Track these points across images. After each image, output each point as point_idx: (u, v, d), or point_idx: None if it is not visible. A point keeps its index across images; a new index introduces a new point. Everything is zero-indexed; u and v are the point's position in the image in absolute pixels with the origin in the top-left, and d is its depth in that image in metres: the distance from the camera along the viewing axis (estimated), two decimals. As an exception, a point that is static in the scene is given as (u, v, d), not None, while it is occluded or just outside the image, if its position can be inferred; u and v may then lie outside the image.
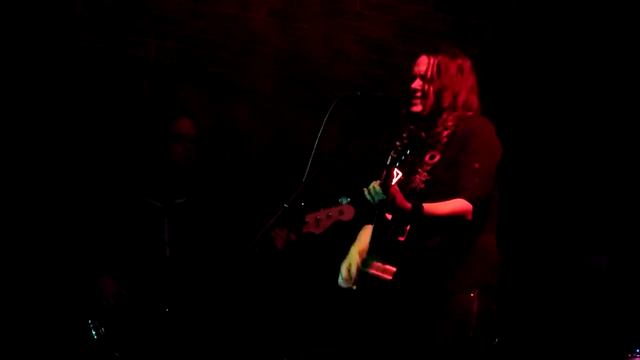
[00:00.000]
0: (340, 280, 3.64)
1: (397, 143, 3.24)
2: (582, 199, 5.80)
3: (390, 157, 3.22)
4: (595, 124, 5.86)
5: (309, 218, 3.62)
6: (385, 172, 3.21)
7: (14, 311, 4.85)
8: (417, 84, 3.59)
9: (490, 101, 3.77)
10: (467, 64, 3.65)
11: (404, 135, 3.41)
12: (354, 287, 3.52)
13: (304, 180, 3.46)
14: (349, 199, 3.61)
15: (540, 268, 5.72)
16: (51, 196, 4.99)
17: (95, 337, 4.41)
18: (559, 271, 5.68)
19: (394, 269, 3.36)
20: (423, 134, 3.58)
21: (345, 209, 3.66)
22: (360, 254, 3.57)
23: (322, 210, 3.66)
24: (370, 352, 5.38)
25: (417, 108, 3.58)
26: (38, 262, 4.92)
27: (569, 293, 5.58)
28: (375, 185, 3.23)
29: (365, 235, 3.62)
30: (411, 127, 3.59)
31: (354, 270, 3.57)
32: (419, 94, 3.57)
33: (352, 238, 3.73)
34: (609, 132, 5.83)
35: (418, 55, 3.67)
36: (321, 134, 3.54)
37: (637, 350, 4.47)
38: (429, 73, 3.57)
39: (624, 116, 5.82)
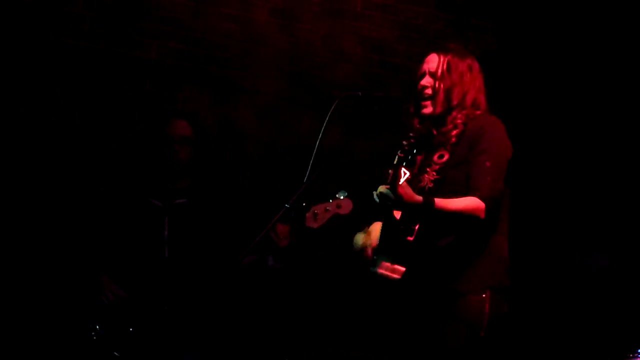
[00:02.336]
0: (356, 245, 3.62)
1: (404, 142, 3.24)
2: (582, 199, 5.80)
3: (397, 157, 3.22)
4: (596, 124, 5.86)
5: (307, 213, 3.61)
6: (392, 172, 3.21)
7: (14, 312, 4.85)
8: (426, 80, 3.59)
9: (491, 101, 3.78)
10: (475, 63, 3.68)
11: (411, 134, 3.41)
12: (372, 268, 3.48)
13: (305, 180, 3.46)
14: (346, 193, 3.60)
15: (541, 268, 5.72)
16: (53, 196, 5.00)
17: (95, 337, 4.41)
18: (559, 271, 5.68)
19: (403, 269, 3.35)
20: (435, 131, 3.59)
21: (343, 202, 3.65)
22: (374, 237, 3.56)
23: (319, 204, 3.65)
24: (372, 353, 5.38)
25: (428, 110, 3.59)
26: (39, 262, 4.92)
27: (569, 293, 5.58)
28: (382, 187, 3.23)
29: (377, 225, 3.61)
30: (418, 125, 3.58)
31: (372, 239, 3.54)
32: (428, 91, 3.58)
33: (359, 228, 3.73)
34: (609, 132, 5.83)
35: (425, 54, 3.67)
36: (322, 134, 3.54)
37: (639, 351, 4.46)
38: (440, 71, 3.58)
39: (625, 116, 5.82)
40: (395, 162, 3.23)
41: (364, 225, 3.67)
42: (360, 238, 3.64)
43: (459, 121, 3.53)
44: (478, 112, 3.58)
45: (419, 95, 3.61)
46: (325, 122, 3.55)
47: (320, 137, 3.52)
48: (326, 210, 3.64)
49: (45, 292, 4.91)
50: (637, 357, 4.42)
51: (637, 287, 5.37)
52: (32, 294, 4.90)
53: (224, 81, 5.43)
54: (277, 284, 5.26)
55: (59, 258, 4.92)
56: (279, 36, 5.55)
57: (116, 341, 4.39)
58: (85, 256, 4.63)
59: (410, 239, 3.37)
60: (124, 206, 4.66)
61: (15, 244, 4.90)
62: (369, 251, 3.56)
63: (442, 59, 3.61)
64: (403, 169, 3.22)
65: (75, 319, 4.66)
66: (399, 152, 3.23)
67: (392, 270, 3.38)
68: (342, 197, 3.65)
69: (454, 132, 3.52)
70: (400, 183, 3.21)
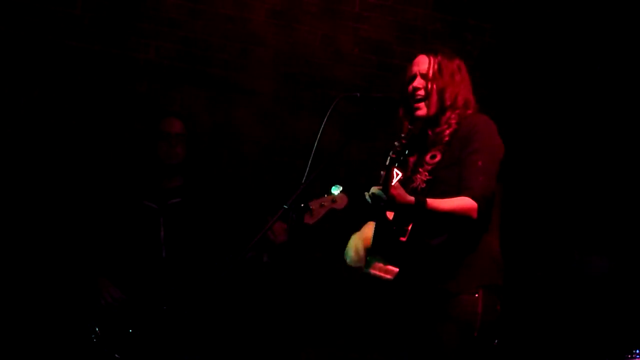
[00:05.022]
0: (349, 260, 3.62)
1: (396, 143, 3.24)
2: (582, 200, 5.80)
3: (389, 158, 3.22)
4: (595, 124, 5.86)
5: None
6: (384, 173, 3.21)
7: (14, 314, 4.84)
8: (418, 82, 3.59)
9: (489, 102, 3.77)
10: (462, 63, 3.68)
11: (402, 135, 3.40)
12: (365, 269, 3.47)
13: (303, 181, 3.46)
14: (341, 188, 3.61)
15: (540, 269, 5.72)
16: (49, 198, 4.99)
17: (95, 339, 4.41)
18: (558, 272, 5.68)
19: (396, 270, 3.35)
20: (430, 132, 3.58)
21: (338, 197, 3.67)
22: (364, 240, 3.56)
23: (314, 200, 3.66)
24: (371, 353, 5.38)
25: (422, 112, 3.58)
26: (36, 264, 4.91)
27: (568, 294, 5.58)
28: (374, 188, 3.23)
29: (369, 226, 3.61)
30: (409, 126, 3.59)
31: (361, 250, 3.55)
32: (421, 93, 3.58)
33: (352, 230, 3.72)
34: (609, 133, 5.83)
35: (417, 54, 3.67)
36: (320, 135, 3.54)
37: (636, 351, 4.46)
38: (431, 72, 3.58)
39: (624, 116, 5.82)
40: (387, 163, 3.23)
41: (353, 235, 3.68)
42: (350, 245, 3.64)
43: (452, 121, 3.54)
44: (469, 112, 3.59)
45: (411, 98, 3.61)
46: (324, 122, 3.55)
47: (318, 137, 3.52)
48: (321, 205, 3.65)
49: (45, 294, 4.90)
50: (635, 357, 4.42)
51: (635, 288, 5.37)
52: (31, 296, 4.89)
53: (222, 82, 5.43)
54: (276, 285, 5.26)
55: (57, 260, 4.91)
56: (276, 37, 5.55)
57: (116, 343, 4.39)
58: (83, 258, 4.63)
59: (403, 239, 3.36)
60: (120, 209, 4.67)
61: (14, 246, 4.89)
62: (361, 253, 3.56)
63: (432, 60, 3.61)
64: (395, 170, 3.21)
65: (75, 321, 4.66)
66: (391, 153, 3.23)
67: (385, 271, 3.38)
68: (337, 193, 3.65)
69: (448, 132, 3.53)
70: (392, 184, 3.20)
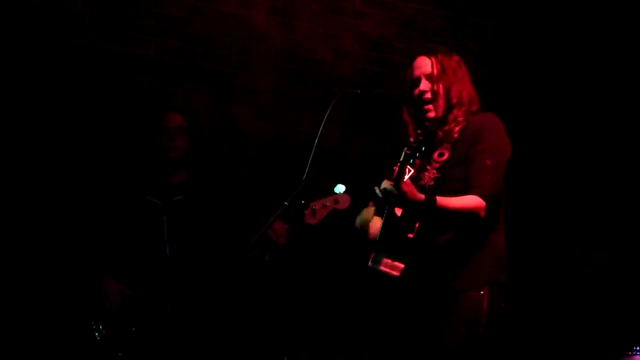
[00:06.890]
0: (357, 222, 3.63)
1: (411, 140, 3.25)
2: (583, 197, 5.81)
3: (403, 154, 3.22)
4: (596, 122, 5.86)
5: (306, 210, 3.62)
6: (397, 169, 3.22)
7: (17, 313, 4.85)
8: (424, 85, 3.59)
9: (490, 99, 3.78)
10: (460, 59, 3.69)
11: (419, 131, 3.41)
12: (372, 265, 3.46)
13: (304, 178, 3.46)
14: (344, 188, 3.61)
15: (541, 265, 5.72)
16: (52, 196, 4.99)
17: (98, 337, 4.41)
18: (559, 269, 5.69)
19: (403, 266, 3.36)
20: (440, 132, 3.58)
21: (341, 197, 3.67)
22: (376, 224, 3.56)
23: (317, 200, 3.66)
24: (372, 350, 5.38)
25: (432, 114, 3.59)
26: (39, 263, 4.91)
27: (569, 290, 5.58)
28: (386, 184, 3.24)
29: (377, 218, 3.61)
30: (426, 123, 3.59)
31: (371, 215, 3.56)
32: (429, 95, 3.58)
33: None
34: (609, 130, 5.83)
35: (416, 56, 3.67)
36: (321, 131, 3.54)
37: (636, 348, 4.47)
38: (435, 72, 3.59)
39: (625, 114, 5.82)
40: (401, 159, 3.23)
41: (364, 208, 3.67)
42: (361, 216, 3.64)
43: (460, 118, 3.55)
44: (475, 108, 3.60)
45: (419, 101, 3.61)
46: (324, 119, 3.55)
47: (319, 134, 3.52)
48: (324, 206, 3.66)
49: (48, 292, 4.90)
50: (635, 354, 4.43)
51: (636, 285, 5.38)
52: (34, 294, 4.89)
53: (223, 79, 5.43)
54: (277, 283, 5.26)
55: (61, 257, 4.91)
56: (277, 34, 5.55)
57: (119, 341, 4.39)
58: (87, 256, 4.62)
59: (411, 235, 3.37)
60: (123, 206, 4.67)
61: (16, 245, 4.89)
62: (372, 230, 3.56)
63: (434, 61, 3.62)
64: (408, 167, 3.22)
65: (78, 319, 4.66)
66: (405, 149, 3.23)
67: (392, 267, 3.38)
68: (340, 193, 3.65)
69: (457, 129, 3.54)
70: (404, 180, 3.21)
